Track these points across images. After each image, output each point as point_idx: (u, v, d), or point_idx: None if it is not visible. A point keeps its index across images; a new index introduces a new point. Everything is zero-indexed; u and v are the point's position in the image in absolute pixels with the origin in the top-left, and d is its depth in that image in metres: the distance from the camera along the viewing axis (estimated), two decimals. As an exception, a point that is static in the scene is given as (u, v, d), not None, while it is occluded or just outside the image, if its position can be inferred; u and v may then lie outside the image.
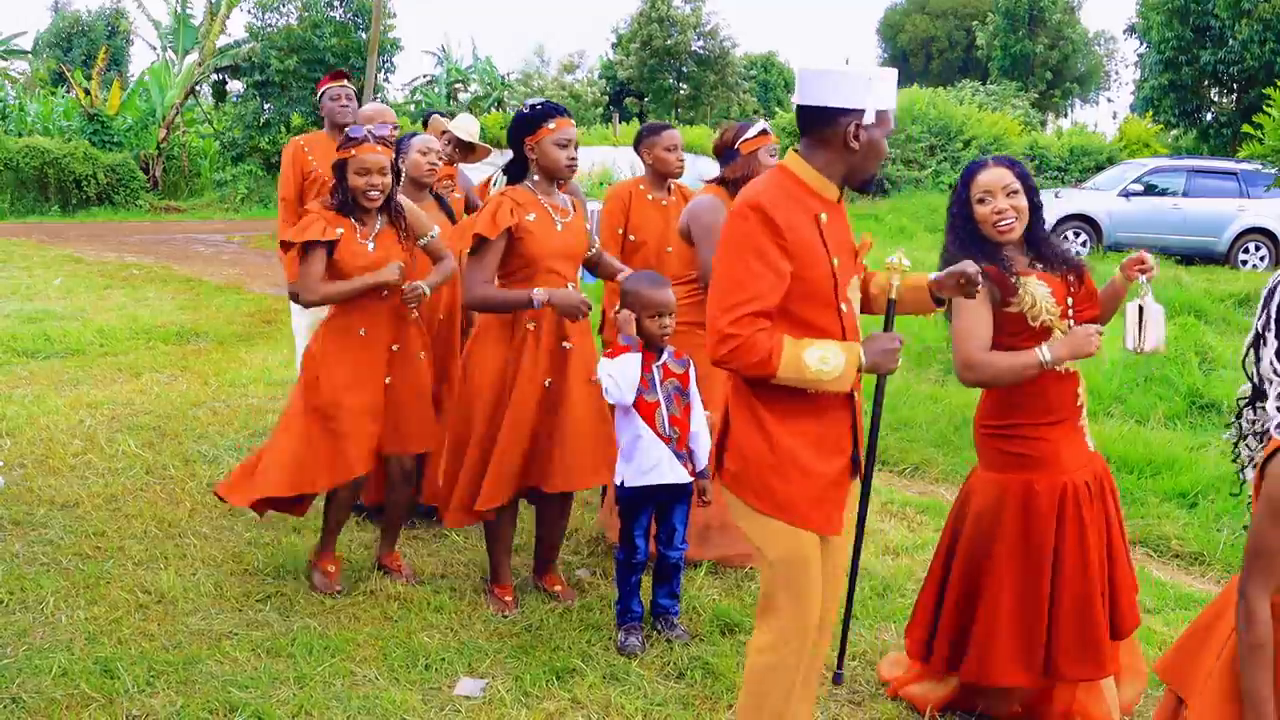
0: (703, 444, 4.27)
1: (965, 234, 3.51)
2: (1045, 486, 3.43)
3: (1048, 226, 3.70)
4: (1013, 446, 3.51)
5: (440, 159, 5.24)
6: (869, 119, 2.92)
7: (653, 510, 4.31)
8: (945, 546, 3.69)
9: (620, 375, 4.09)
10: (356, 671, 3.98)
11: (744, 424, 3.09)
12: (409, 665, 4.04)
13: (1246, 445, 2.64)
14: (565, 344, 4.34)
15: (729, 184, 4.77)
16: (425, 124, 6.42)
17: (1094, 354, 3.40)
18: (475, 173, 6.70)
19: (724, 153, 4.86)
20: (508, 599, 4.53)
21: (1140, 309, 3.51)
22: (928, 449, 6.99)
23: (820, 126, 2.97)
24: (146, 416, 7.25)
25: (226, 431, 6.98)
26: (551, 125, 4.26)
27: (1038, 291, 3.41)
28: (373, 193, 4.45)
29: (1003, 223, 3.47)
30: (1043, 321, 3.42)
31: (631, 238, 5.28)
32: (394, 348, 4.58)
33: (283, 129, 25.11)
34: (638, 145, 5.42)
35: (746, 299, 2.89)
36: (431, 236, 4.70)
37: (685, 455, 4.23)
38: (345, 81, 6.29)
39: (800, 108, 3.00)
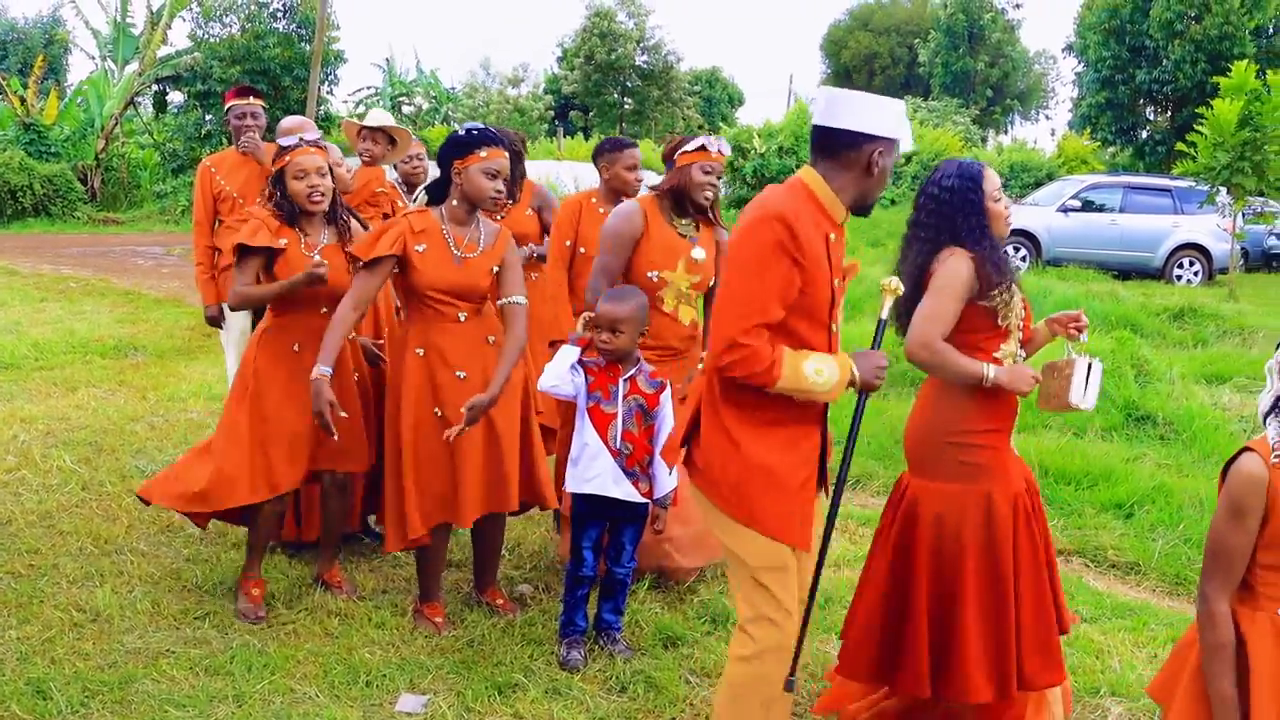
0: (664, 471, 4.23)
1: (979, 229, 3.48)
2: (1002, 497, 3.43)
3: None
4: (971, 456, 3.47)
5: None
6: (895, 150, 3.07)
7: (604, 525, 4.29)
8: (888, 561, 3.59)
9: (551, 365, 4.16)
10: (296, 689, 3.95)
11: (717, 435, 3.11)
12: (350, 682, 4.01)
13: None
14: (460, 374, 4.24)
15: (661, 195, 4.76)
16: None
17: (1024, 394, 3.47)
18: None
19: (667, 163, 4.87)
20: (438, 620, 4.47)
21: (1090, 366, 3.54)
22: (869, 462, 7.04)
23: (845, 150, 3.05)
24: (83, 432, 7.14)
25: (165, 446, 6.89)
26: (483, 153, 4.17)
27: (1017, 295, 3.48)
28: (315, 195, 4.41)
29: (1011, 220, 3.60)
30: (1008, 324, 3.46)
31: (581, 250, 5.24)
32: None
33: (224, 140, 24.84)
34: (597, 158, 5.39)
35: (760, 309, 2.95)
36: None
37: (638, 474, 4.21)
38: (251, 98, 6.22)
39: (826, 130, 3.06)
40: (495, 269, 4.32)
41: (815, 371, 2.98)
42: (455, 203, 4.26)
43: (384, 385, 4.56)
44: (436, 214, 4.29)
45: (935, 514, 3.49)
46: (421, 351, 4.24)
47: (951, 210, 3.52)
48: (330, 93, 29.37)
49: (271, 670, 4.05)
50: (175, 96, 29.20)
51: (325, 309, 4.41)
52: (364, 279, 4.18)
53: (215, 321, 6.22)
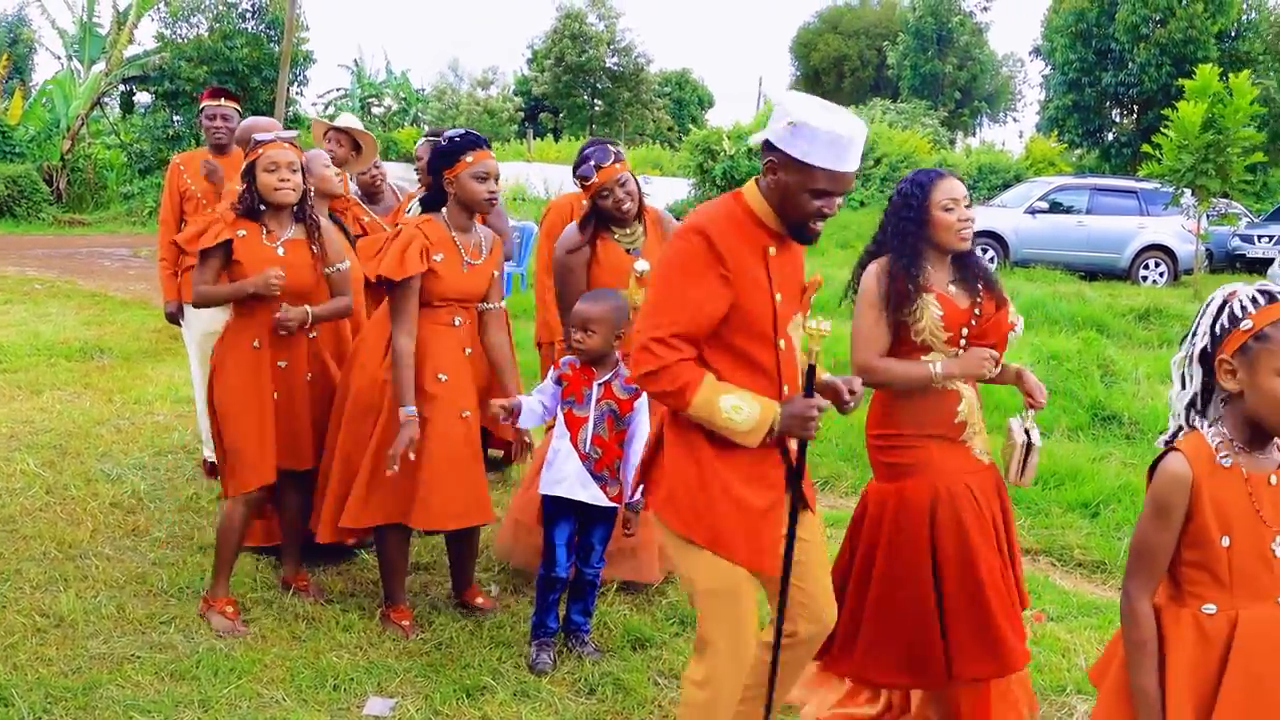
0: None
1: (911, 236, 3.50)
2: (916, 491, 3.45)
3: None
4: (890, 457, 3.54)
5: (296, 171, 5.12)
6: (782, 158, 2.89)
7: (575, 524, 4.28)
8: (844, 558, 3.68)
9: (531, 399, 4.23)
10: (263, 693, 3.92)
11: (677, 452, 3.07)
12: (317, 686, 3.99)
13: None
14: (442, 376, 4.28)
15: (587, 219, 4.80)
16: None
17: (986, 377, 3.47)
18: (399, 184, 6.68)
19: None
20: (405, 623, 4.46)
21: (1028, 448, 3.56)
22: (837, 463, 7.07)
23: (765, 154, 2.97)
24: (47, 435, 7.07)
25: (131, 450, 6.84)
26: (469, 158, 4.21)
27: (929, 310, 3.44)
28: (284, 188, 4.37)
29: (965, 231, 3.51)
30: (923, 340, 3.45)
31: None
32: (280, 364, 4.48)
33: (193, 141, 24.69)
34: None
35: (671, 320, 2.89)
36: (339, 268, 4.58)
37: (607, 479, 4.20)
38: (223, 100, 6.22)
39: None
40: (495, 274, 4.45)
41: (733, 408, 2.88)
42: (455, 210, 4.32)
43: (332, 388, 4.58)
44: (442, 221, 4.31)
45: (870, 511, 3.59)
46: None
47: (893, 217, 3.59)
48: (299, 94, 29.24)
49: (238, 675, 4.02)
50: (142, 97, 29.02)
51: (286, 305, 4.43)
52: (403, 302, 4.19)
53: (174, 319, 6.28)
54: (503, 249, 4.55)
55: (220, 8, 26.54)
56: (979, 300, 3.54)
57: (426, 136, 5.92)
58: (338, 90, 37.57)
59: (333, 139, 5.94)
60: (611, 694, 4.02)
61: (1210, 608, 2.40)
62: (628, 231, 4.78)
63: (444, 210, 4.34)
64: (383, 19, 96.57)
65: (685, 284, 2.91)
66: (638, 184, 4.82)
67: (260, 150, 4.38)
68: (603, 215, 4.74)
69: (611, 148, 4.76)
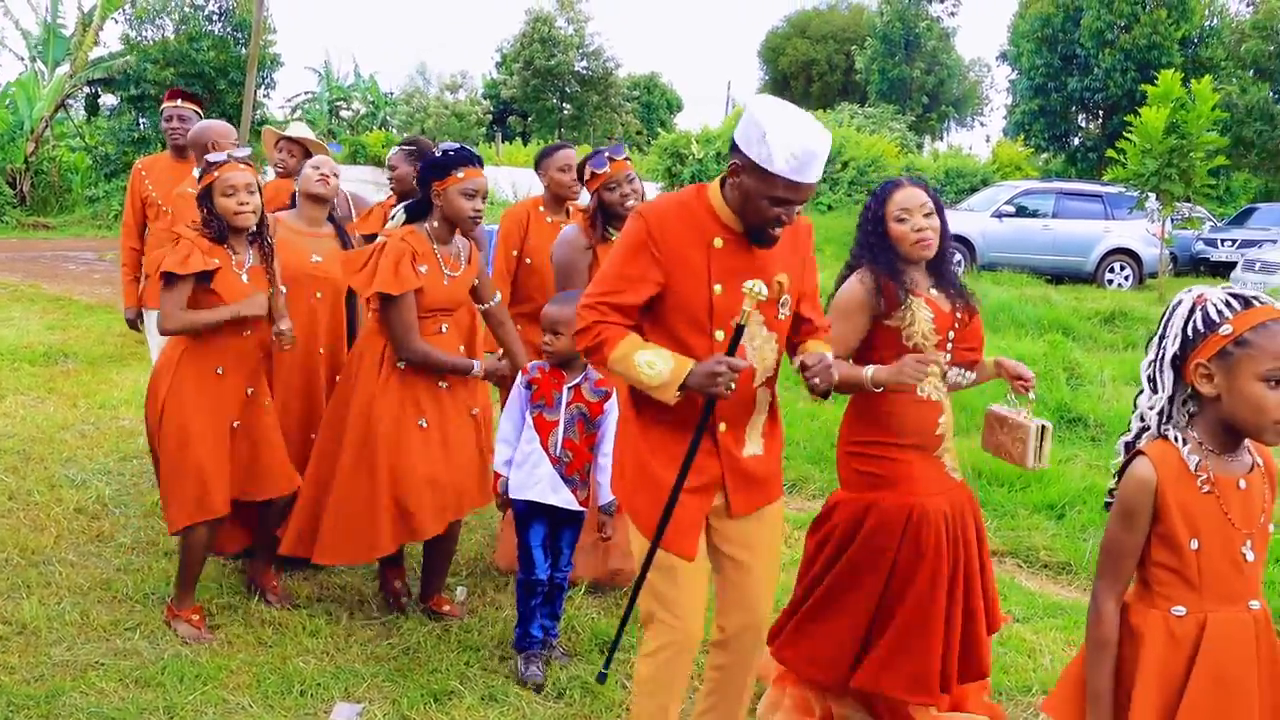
0: (607, 477, 4.18)
1: (877, 248, 3.53)
2: (891, 505, 3.45)
3: None
4: (866, 466, 3.53)
5: (335, 173, 5.09)
6: (745, 163, 2.94)
7: (547, 525, 4.26)
8: (807, 560, 3.69)
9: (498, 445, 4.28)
10: (229, 699, 3.90)
11: (622, 440, 3.24)
12: (283, 692, 3.97)
13: None
14: (442, 384, 4.37)
15: (590, 218, 4.80)
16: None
17: (912, 387, 3.41)
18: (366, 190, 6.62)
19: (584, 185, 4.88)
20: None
21: (1042, 430, 3.56)
22: (805, 466, 7.10)
23: (731, 156, 3.03)
24: (10, 440, 7.01)
25: (95, 455, 6.79)
26: (460, 174, 4.22)
27: (920, 313, 3.46)
28: (244, 211, 4.32)
29: (924, 241, 3.50)
30: (915, 343, 3.46)
31: (528, 260, 5.20)
32: (249, 391, 4.44)
33: (159, 144, 24.51)
34: (537, 166, 5.38)
35: (606, 290, 3.08)
36: (283, 291, 4.54)
37: (577, 482, 4.20)
38: (181, 100, 6.17)
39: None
40: (475, 282, 4.49)
41: (647, 364, 2.98)
42: (437, 223, 4.32)
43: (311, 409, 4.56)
44: (425, 234, 4.31)
45: (837, 517, 3.59)
46: (403, 364, 4.29)
47: (860, 230, 3.63)
48: (267, 97, 29.09)
49: (204, 681, 4.00)
50: (108, 99, 28.79)
51: (248, 331, 4.39)
52: (404, 315, 4.22)
53: (134, 325, 6.27)
54: (479, 255, 4.56)
55: (186, 10, 26.38)
56: (958, 304, 3.58)
57: (401, 145, 5.88)
58: (306, 93, 37.47)
59: (284, 148, 5.87)
60: (580, 697, 4.02)
61: (1180, 609, 2.42)
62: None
63: (427, 222, 4.33)
64: (351, 22, 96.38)
65: (620, 259, 3.10)
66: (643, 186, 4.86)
67: (215, 174, 4.31)
68: (607, 212, 4.73)
69: (623, 147, 4.84)
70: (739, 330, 2.97)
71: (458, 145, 4.36)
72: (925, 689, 3.42)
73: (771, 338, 3.19)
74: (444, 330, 4.39)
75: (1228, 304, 2.37)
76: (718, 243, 3.06)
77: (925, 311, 3.47)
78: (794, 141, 2.88)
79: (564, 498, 4.18)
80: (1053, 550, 5.77)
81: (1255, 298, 2.37)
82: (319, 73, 38.48)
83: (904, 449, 3.48)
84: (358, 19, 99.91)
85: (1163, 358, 2.46)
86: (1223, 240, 21.34)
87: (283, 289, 4.53)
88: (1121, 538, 2.44)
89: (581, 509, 4.24)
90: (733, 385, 2.96)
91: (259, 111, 25.44)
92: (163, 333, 4.42)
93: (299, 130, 5.97)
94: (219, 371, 4.35)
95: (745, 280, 2.98)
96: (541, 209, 5.29)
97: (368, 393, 4.32)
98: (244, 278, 4.37)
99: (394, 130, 37.84)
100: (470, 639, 4.44)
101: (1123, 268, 19.28)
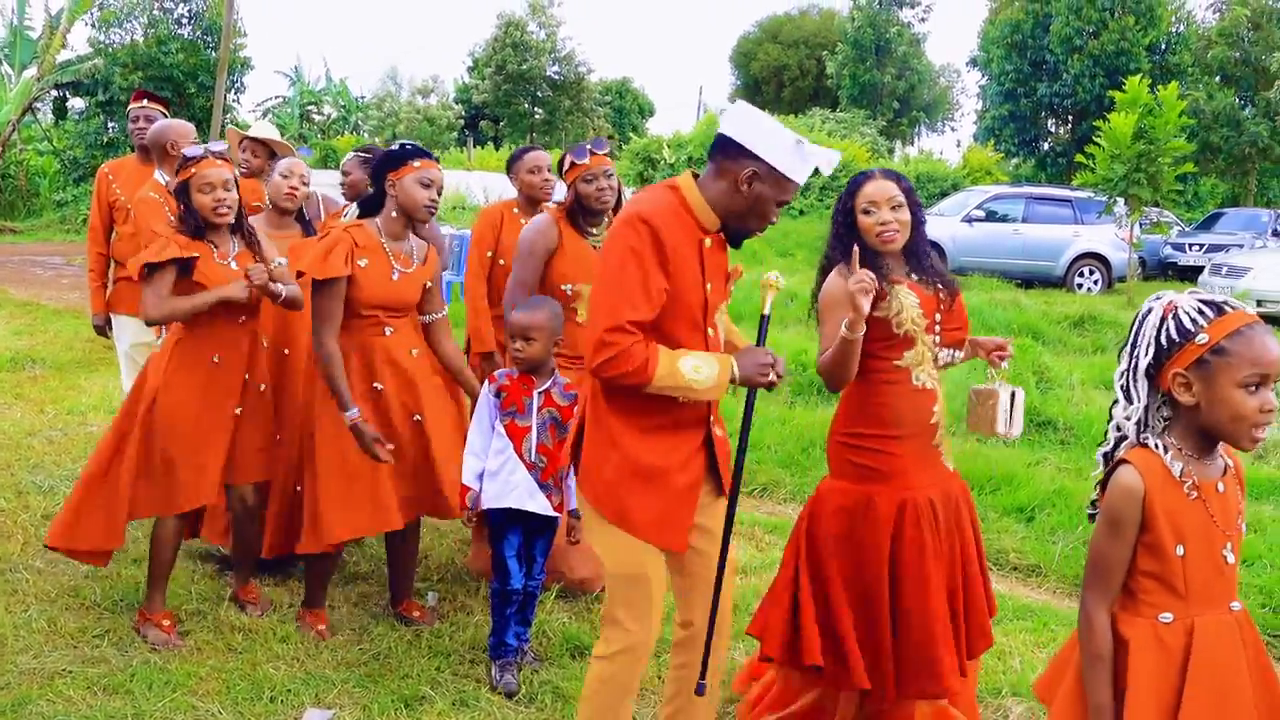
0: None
1: (848, 241, 3.53)
2: (884, 500, 3.47)
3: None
4: (859, 458, 3.53)
5: (305, 182, 5.08)
6: (779, 184, 3.00)
7: (521, 534, 4.24)
8: (793, 549, 3.67)
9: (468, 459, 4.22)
10: (199, 706, 3.88)
11: (597, 436, 3.15)
12: (254, 698, 3.95)
13: None
14: (377, 385, 4.30)
15: (567, 209, 4.80)
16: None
17: (856, 315, 3.28)
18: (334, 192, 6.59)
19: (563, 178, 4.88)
20: (322, 626, 4.49)
21: (1013, 395, 3.57)
22: (776, 469, 7.11)
23: (726, 159, 3.04)
24: (-23, 446, 6.95)
25: (63, 461, 6.73)
26: (416, 164, 4.23)
27: (905, 300, 3.46)
28: (222, 209, 4.32)
29: (886, 234, 3.50)
30: (907, 330, 3.46)
31: (501, 261, 5.19)
32: (246, 377, 4.45)
33: (128, 149, 24.35)
34: (509, 169, 5.40)
35: (627, 306, 2.94)
36: (278, 263, 4.51)
37: (552, 487, 4.18)
38: (146, 102, 6.13)
39: (721, 135, 3.07)
40: (428, 284, 4.41)
41: (694, 369, 2.97)
42: (393, 215, 4.29)
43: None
44: (374, 228, 4.29)
45: (824, 506, 3.59)
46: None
47: (833, 222, 3.63)
48: (237, 101, 28.95)
49: (173, 688, 3.97)
50: (76, 103, 28.59)
51: (244, 318, 4.41)
52: (326, 303, 4.17)
53: (102, 331, 6.18)
54: (438, 259, 4.53)
55: (155, 13, 26.22)
56: (939, 288, 3.58)
57: (355, 152, 5.86)
58: (276, 97, 37.31)
59: (248, 149, 5.83)
60: (551, 702, 4.02)
61: (1167, 616, 2.42)
62: (597, 231, 4.78)
63: (379, 217, 4.32)
64: (322, 26, 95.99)
65: (631, 271, 2.96)
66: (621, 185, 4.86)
67: (192, 169, 4.30)
68: (582, 205, 4.73)
69: (605, 142, 4.86)
70: (764, 320, 3.16)
71: (413, 141, 4.35)
72: (940, 682, 3.43)
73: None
74: (388, 333, 4.31)
75: (1200, 311, 2.37)
76: (707, 242, 3.09)
77: (911, 298, 3.47)
78: (824, 151, 3.03)
79: (541, 503, 4.16)
80: (1022, 553, 5.80)
81: (1226, 303, 2.38)
82: (290, 77, 38.38)
83: (900, 441, 3.49)
84: (329, 23, 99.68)
85: (1136, 367, 2.45)
86: (1190, 245, 21.56)
87: (281, 261, 4.49)
88: (1110, 548, 2.44)
89: (556, 515, 4.22)
90: (779, 374, 3.09)
91: (229, 115, 25.29)
92: (148, 322, 4.41)
93: (263, 130, 5.94)
94: (215, 360, 4.35)
95: (722, 281, 3.08)
96: (515, 211, 5.30)
97: (314, 386, 4.33)
98: (232, 264, 4.36)
99: (365, 134, 37.75)
100: (441, 644, 4.43)
101: (1092, 272, 19.43)
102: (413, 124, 38.54)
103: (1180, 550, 2.39)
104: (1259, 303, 15.10)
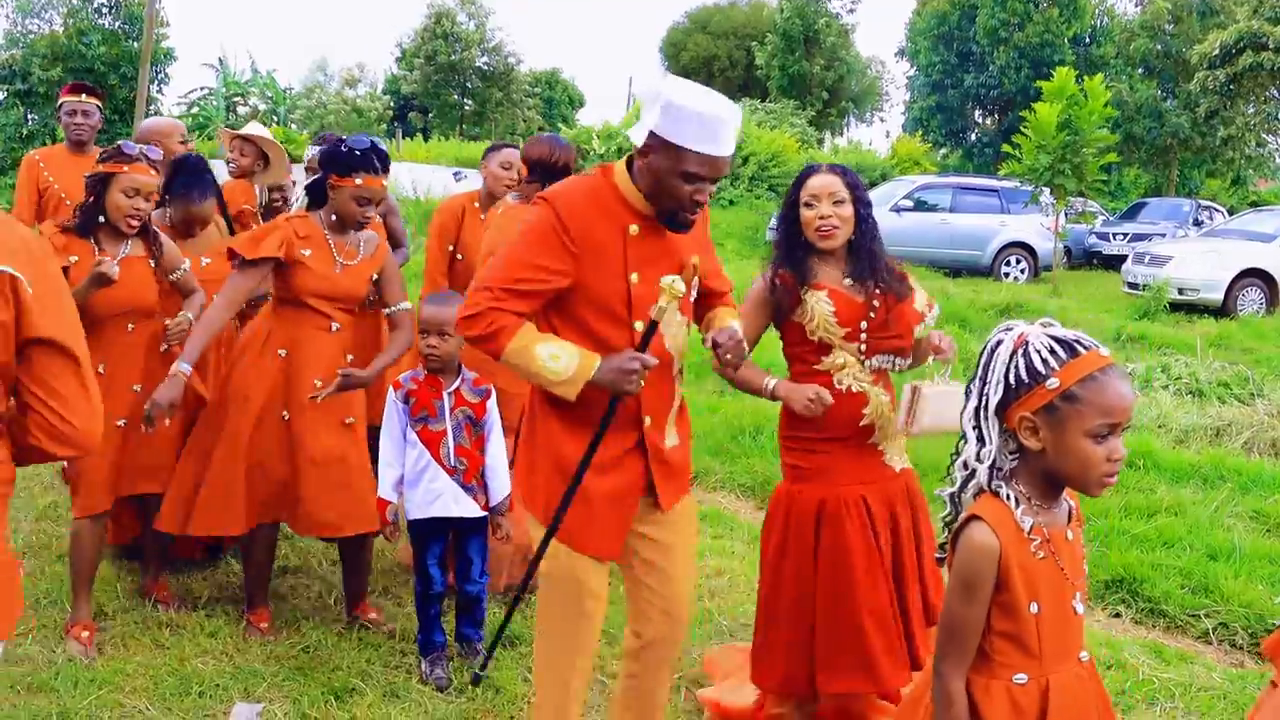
0: (499, 478, 4.16)
1: (788, 234, 3.51)
2: (806, 497, 3.47)
3: None
4: (791, 458, 3.56)
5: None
6: (676, 157, 2.84)
7: (446, 541, 4.20)
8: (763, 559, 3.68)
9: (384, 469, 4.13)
10: (125, 703, 3.83)
11: (532, 439, 3.09)
12: (181, 693, 3.91)
13: None
14: (317, 381, 4.21)
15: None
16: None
17: (804, 412, 3.37)
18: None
19: (542, 168, 4.77)
20: (264, 625, 4.42)
21: (914, 391, 3.40)
22: (705, 458, 7.15)
23: (640, 141, 2.92)
24: (-107, 445, 6.77)
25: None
26: (359, 180, 4.15)
27: (818, 307, 3.41)
28: (134, 218, 4.20)
29: (825, 228, 3.44)
30: (820, 337, 3.43)
31: (460, 256, 5.17)
32: (135, 389, 4.29)
33: (48, 141, 23.84)
34: (484, 158, 5.35)
35: (503, 277, 2.88)
36: (183, 270, 4.43)
37: (476, 488, 4.14)
38: (84, 95, 5.97)
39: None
40: (374, 277, 4.35)
41: (550, 356, 2.85)
42: (333, 217, 4.26)
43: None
44: (317, 219, 4.25)
45: (770, 513, 3.61)
46: (284, 353, 4.21)
47: (779, 216, 3.61)
48: (160, 92, 28.49)
49: (99, 685, 3.92)
50: (-7, 94, 27.94)
51: (132, 325, 4.27)
52: (241, 278, 4.13)
53: None
54: (389, 251, 4.48)
55: (75, 2, 25.70)
56: (875, 294, 3.48)
57: (314, 142, 5.80)
58: (201, 89, 36.70)
59: (237, 148, 5.76)
60: (481, 692, 4.01)
61: (1021, 678, 2.27)
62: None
63: (324, 209, 4.28)
64: (246, 16, 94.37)
65: (526, 246, 2.91)
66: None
67: (124, 167, 4.16)
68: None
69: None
70: (652, 326, 2.93)
71: (369, 144, 4.25)
72: (873, 678, 3.40)
73: (684, 321, 3.14)
74: (335, 329, 4.27)
75: (1053, 351, 2.20)
76: (634, 230, 2.95)
77: (825, 305, 3.41)
78: (700, 111, 2.81)
79: (466, 507, 4.11)
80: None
81: (1078, 341, 2.21)
82: (215, 68, 37.75)
83: (826, 441, 3.47)
84: (254, 13, 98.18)
85: (986, 405, 2.28)
86: (1114, 234, 21.99)
87: (182, 269, 4.42)
88: (965, 612, 2.25)
89: (484, 514, 4.18)
90: (642, 383, 2.91)
91: (152, 108, 24.86)
92: None
93: (252, 129, 5.87)
94: (101, 370, 4.07)
95: (662, 272, 2.93)
96: (476, 204, 5.26)
97: (243, 373, 4.26)
98: (114, 269, 4.08)
99: (293, 126, 37.28)
100: (370, 637, 4.41)
101: (1019, 261, 19.70)
102: (341, 115, 38.12)
103: (1034, 608, 2.24)
104: (1180, 290, 15.42)
